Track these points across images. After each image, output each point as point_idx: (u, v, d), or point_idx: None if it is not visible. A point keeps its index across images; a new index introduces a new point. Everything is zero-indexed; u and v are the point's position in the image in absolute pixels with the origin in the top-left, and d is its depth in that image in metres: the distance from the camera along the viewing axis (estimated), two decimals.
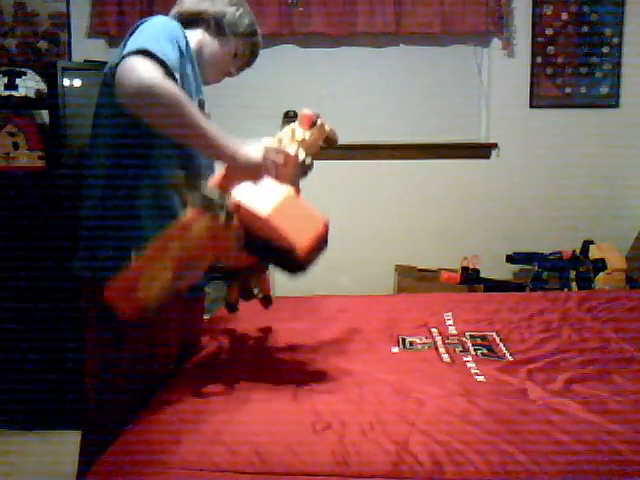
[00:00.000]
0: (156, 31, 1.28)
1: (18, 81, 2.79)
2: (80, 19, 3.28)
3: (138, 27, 1.31)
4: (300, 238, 1.21)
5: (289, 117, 3.32)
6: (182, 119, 1.20)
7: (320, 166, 3.53)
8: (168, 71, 1.21)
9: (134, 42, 1.22)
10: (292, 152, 1.44)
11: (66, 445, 1.47)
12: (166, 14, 1.49)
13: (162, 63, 1.20)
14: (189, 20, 1.52)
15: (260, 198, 1.25)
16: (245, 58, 1.62)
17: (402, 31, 3.24)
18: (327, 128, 1.59)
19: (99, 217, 1.37)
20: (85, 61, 2.86)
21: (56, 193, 2.65)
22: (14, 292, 2.72)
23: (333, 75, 3.38)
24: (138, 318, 1.21)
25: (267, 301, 1.51)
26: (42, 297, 2.65)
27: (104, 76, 1.37)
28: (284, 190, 1.30)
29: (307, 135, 1.52)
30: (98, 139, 1.39)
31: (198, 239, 1.19)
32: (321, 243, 1.25)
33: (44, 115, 2.93)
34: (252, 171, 1.29)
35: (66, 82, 2.60)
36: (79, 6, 3.27)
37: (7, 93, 2.77)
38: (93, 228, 1.38)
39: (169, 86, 1.17)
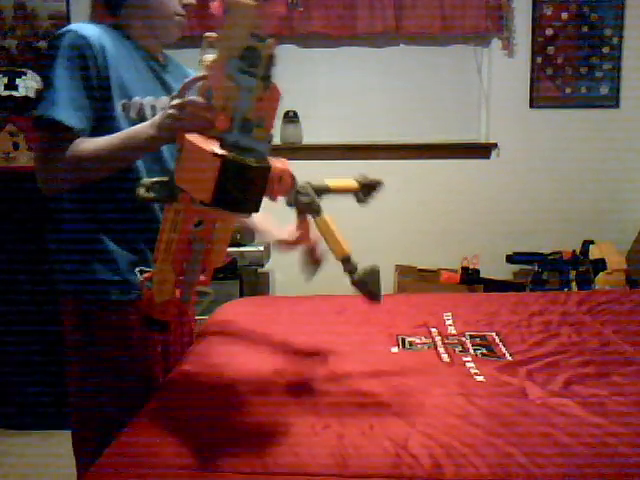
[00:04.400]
0: (57, 79, 1.24)
1: (18, 81, 2.79)
2: (80, 19, 3.28)
3: (48, 55, 1.28)
4: (198, 189, 1.05)
5: (289, 117, 3.32)
6: (96, 166, 1.24)
7: (320, 166, 3.55)
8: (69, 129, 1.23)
9: (40, 103, 1.24)
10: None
11: (66, 445, 1.47)
12: None
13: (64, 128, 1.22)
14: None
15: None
16: None
17: (402, 31, 3.24)
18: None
19: (67, 234, 1.37)
20: None
21: None
22: (14, 292, 2.72)
23: (333, 75, 3.38)
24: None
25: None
26: (42, 297, 2.65)
27: None
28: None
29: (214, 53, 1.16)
30: None
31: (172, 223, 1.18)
32: (226, 180, 1.02)
33: None
34: (162, 139, 1.20)
35: None
36: (79, 6, 3.28)
37: (7, 93, 2.77)
38: (64, 245, 1.39)
39: (67, 174, 1.24)
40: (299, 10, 3.21)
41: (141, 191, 1.14)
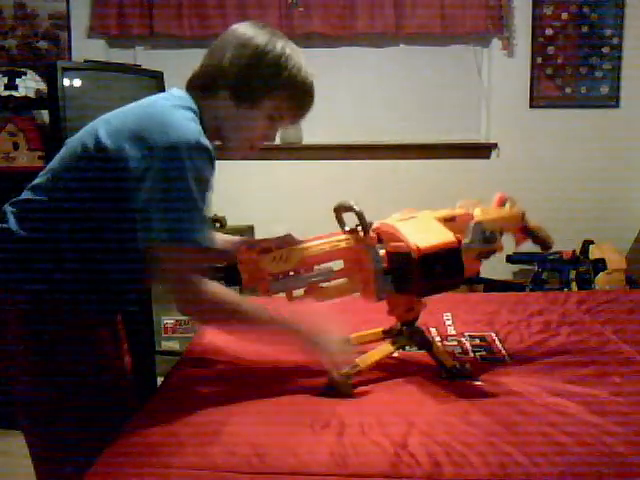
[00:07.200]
0: (190, 184, 1.13)
1: (18, 81, 2.79)
2: (80, 19, 3.28)
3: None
4: (419, 242, 1.28)
5: None
6: (239, 323, 1.26)
7: (320, 166, 3.54)
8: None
9: (171, 214, 1.13)
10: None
11: None
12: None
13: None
14: (205, 83, 1.30)
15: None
16: (289, 118, 1.38)
17: (402, 31, 3.25)
18: (516, 212, 1.67)
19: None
20: (85, 61, 2.87)
21: None
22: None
23: (333, 75, 3.38)
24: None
25: None
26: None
27: (98, 151, 1.23)
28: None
29: (486, 212, 1.60)
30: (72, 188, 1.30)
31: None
32: (441, 253, 1.29)
33: (44, 115, 2.93)
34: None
35: (66, 82, 2.60)
36: (79, 6, 3.28)
37: (7, 93, 2.77)
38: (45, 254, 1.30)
39: (221, 305, 1.22)
40: (299, 10, 3.21)
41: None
